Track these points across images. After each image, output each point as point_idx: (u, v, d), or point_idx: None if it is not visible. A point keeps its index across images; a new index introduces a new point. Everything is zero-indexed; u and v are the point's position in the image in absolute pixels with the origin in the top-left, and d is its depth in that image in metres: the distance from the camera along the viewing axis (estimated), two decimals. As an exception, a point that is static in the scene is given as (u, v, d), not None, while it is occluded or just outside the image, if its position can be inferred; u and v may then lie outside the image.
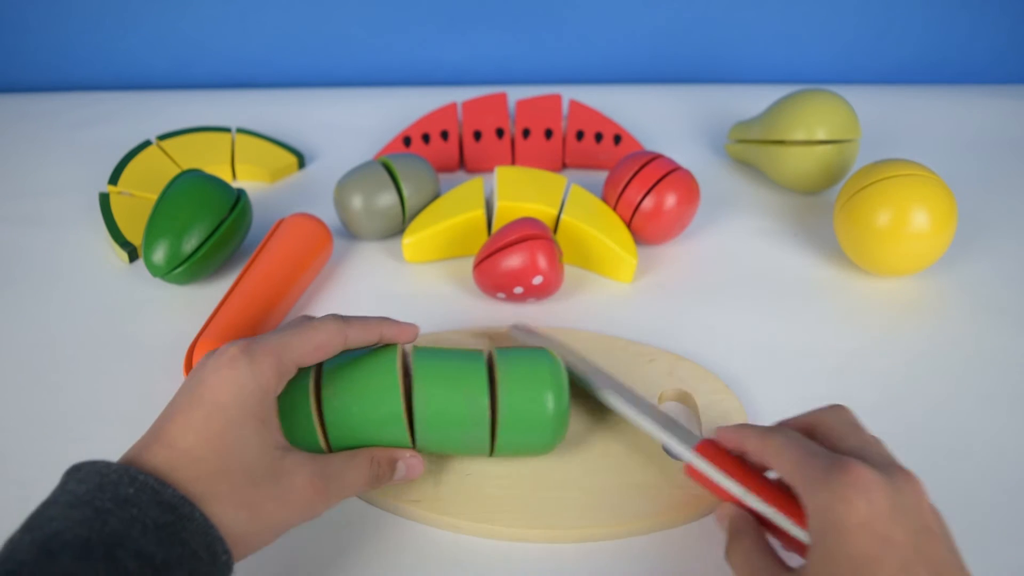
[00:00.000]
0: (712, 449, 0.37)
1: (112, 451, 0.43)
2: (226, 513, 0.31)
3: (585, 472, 0.42)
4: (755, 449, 0.34)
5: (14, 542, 0.29)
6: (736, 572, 0.32)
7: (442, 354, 0.40)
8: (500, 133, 0.67)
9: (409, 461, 0.39)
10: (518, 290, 0.51)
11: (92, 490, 0.30)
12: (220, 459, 0.32)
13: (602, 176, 0.66)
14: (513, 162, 0.67)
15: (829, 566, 0.28)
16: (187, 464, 0.31)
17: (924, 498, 0.29)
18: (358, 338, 0.38)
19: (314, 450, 0.37)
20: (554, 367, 0.39)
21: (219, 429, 0.32)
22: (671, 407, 0.46)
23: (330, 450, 0.38)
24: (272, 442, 0.34)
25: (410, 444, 0.39)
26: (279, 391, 0.35)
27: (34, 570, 0.27)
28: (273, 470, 0.33)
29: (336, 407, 0.37)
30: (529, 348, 0.41)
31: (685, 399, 0.46)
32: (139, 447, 0.33)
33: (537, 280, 0.50)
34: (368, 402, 0.37)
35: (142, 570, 0.28)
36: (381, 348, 0.39)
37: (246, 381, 0.33)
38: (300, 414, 0.37)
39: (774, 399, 0.47)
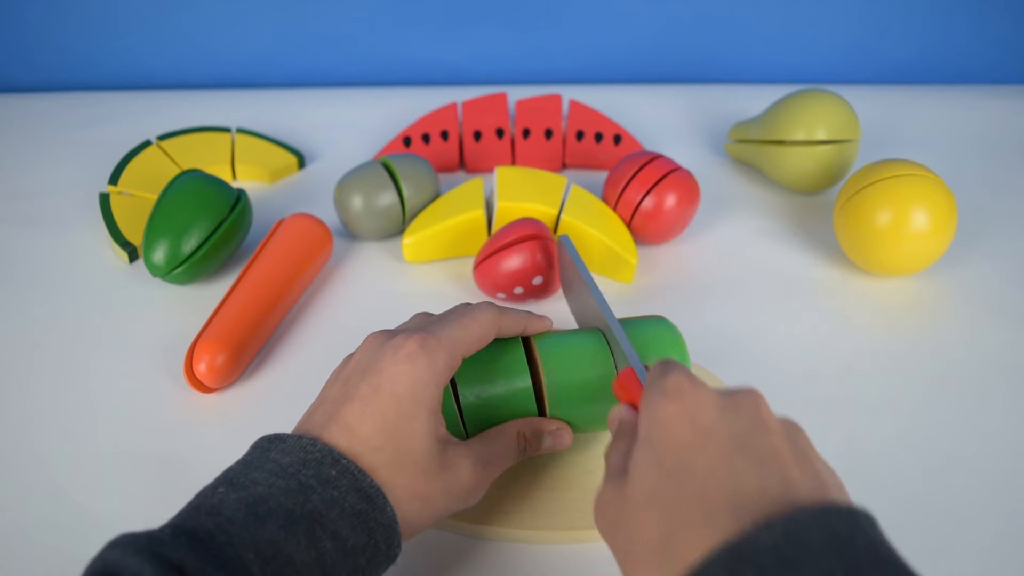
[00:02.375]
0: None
1: (112, 450, 0.43)
2: (401, 504, 0.32)
3: (585, 472, 0.42)
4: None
5: (219, 495, 0.30)
6: (607, 469, 0.31)
7: (564, 335, 0.41)
8: (500, 133, 0.67)
9: (556, 433, 0.39)
10: (518, 290, 0.51)
11: (296, 464, 0.31)
12: (395, 450, 0.33)
13: (602, 176, 0.67)
14: (513, 162, 0.67)
15: (652, 455, 0.28)
16: (367, 452, 0.32)
17: (762, 403, 0.29)
18: (509, 328, 0.39)
19: (456, 434, 0.38)
20: (676, 334, 0.41)
21: (395, 420, 0.33)
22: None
23: (467, 433, 0.39)
24: (437, 434, 0.34)
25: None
26: (446, 383, 0.36)
27: (243, 528, 0.29)
28: (440, 461, 0.34)
29: (471, 392, 0.38)
30: (644, 319, 0.42)
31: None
32: (316, 425, 0.33)
33: (537, 280, 0.50)
34: (500, 384, 0.39)
35: (335, 551, 0.30)
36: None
37: (422, 375, 0.34)
38: (444, 403, 0.38)
39: (774, 399, 0.47)
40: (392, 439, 0.33)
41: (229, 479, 0.31)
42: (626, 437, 0.32)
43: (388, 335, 0.36)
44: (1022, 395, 0.48)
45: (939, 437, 0.45)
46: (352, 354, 0.37)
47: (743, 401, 0.29)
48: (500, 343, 0.40)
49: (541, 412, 0.40)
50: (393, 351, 0.34)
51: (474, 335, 0.37)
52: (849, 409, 0.47)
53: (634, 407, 0.33)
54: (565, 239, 0.43)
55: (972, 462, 0.44)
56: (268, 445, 0.33)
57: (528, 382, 0.39)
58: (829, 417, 0.46)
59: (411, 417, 0.33)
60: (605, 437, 0.43)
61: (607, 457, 0.32)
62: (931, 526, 0.41)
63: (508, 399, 0.39)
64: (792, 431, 0.28)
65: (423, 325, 0.37)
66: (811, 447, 0.28)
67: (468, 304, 0.40)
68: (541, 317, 0.41)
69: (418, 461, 0.33)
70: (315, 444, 0.32)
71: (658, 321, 0.42)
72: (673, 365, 0.31)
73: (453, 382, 0.39)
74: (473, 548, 0.39)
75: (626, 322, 0.42)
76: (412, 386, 0.34)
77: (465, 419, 0.38)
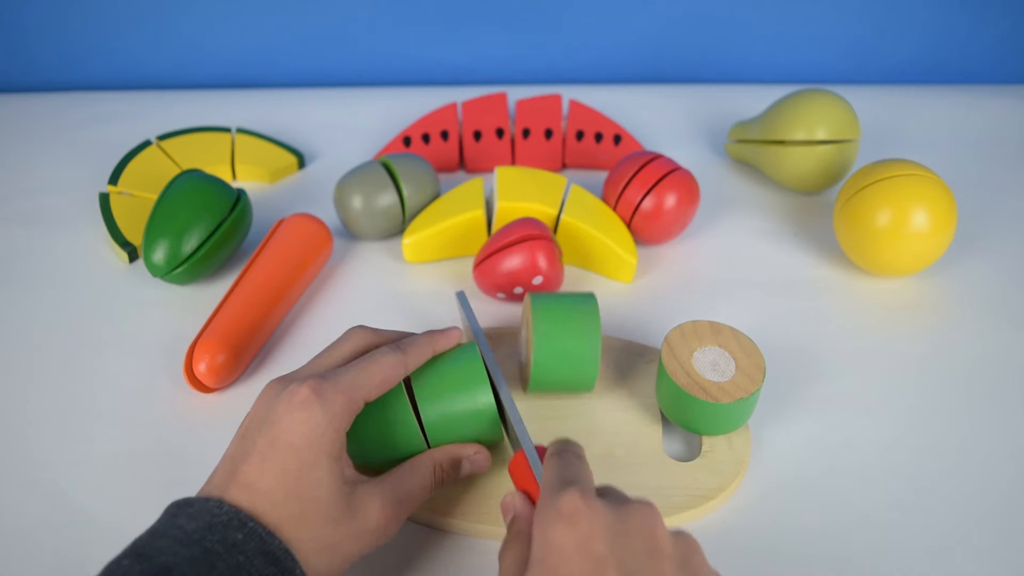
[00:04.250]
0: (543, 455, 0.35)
1: (112, 451, 0.43)
2: (310, 558, 0.32)
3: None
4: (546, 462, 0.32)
5: (123, 568, 0.29)
6: (501, 572, 0.30)
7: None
8: (500, 133, 0.67)
9: (474, 458, 0.39)
10: (518, 290, 0.51)
11: (202, 529, 0.30)
12: (298, 502, 0.32)
13: (602, 176, 0.67)
14: (513, 162, 0.67)
15: None
16: (269, 508, 0.32)
17: (657, 524, 0.28)
18: (416, 363, 0.39)
19: (415, 450, 0.39)
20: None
21: (295, 472, 0.32)
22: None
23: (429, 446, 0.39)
24: (343, 478, 0.34)
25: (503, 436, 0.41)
26: (347, 428, 0.35)
27: None
28: (348, 506, 0.33)
29: (433, 412, 0.39)
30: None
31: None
32: (218, 486, 0.33)
33: (537, 280, 0.50)
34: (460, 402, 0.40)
35: None
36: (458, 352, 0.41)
37: (319, 421, 0.33)
38: (404, 424, 0.38)
39: (774, 399, 0.47)
40: (294, 492, 0.32)
41: (136, 549, 0.30)
42: (521, 541, 0.31)
43: (284, 383, 0.35)
44: (1022, 394, 0.48)
45: (939, 437, 0.45)
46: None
47: (638, 524, 0.28)
48: (457, 359, 0.40)
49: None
50: (287, 400, 0.34)
51: (375, 378, 0.36)
52: (849, 409, 0.47)
53: (529, 498, 0.33)
54: (461, 295, 0.44)
55: (972, 462, 0.44)
56: (176, 510, 0.32)
57: (489, 397, 0.39)
58: (829, 417, 0.46)
59: (312, 466, 0.33)
60: (613, 436, 0.43)
61: (501, 558, 0.31)
62: (931, 526, 0.41)
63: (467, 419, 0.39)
64: (686, 553, 0.28)
65: (317, 370, 0.36)
66: (704, 566, 0.28)
67: (363, 328, 0.40)
68: (445, 333, 0.41)
69: (323, 510, 0.32)
70: (221, 506, 0.31)
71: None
72: (569, 471, 0.31)
73: (412, 398, 0.39)
74: (473, 547, 0.39)
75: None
76: (309, 434, 0.33)
77: (428, 438, 0.39)
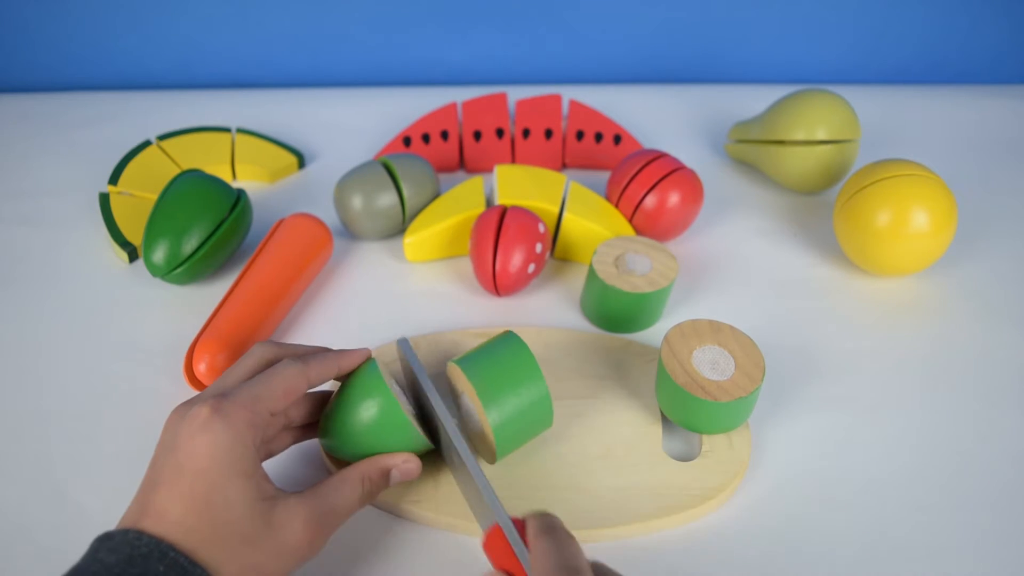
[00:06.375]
0: (521, 529, 0.33)
1: (112, 451, 0.43)
2: None
3: (585, 472, 0.42)
4: (529, 545, 0.31)
5: None
6: None
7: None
8: (500, 133, 0.67)
9: (402, 467, 0.39)
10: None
11: (122, 562, 0.30)
12: (212, 526, 0.32)
13: (602, 176, 0.67)
14: (513, 162, 0.67)
15: None
16: (183, 535, 0.31)
17: None
18: (319, 375, 0.38)
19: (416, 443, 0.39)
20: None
21: (205, 495, 0.32)
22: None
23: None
24: (259, 495, 0.33)
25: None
26: (257, 442, 0.34)
27: None
28: (266, 524, 0.33)
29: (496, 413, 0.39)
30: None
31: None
32: (132, 519, 0.32)
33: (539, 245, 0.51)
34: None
35: None
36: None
37: (223, 440, 0.33)
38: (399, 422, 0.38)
39: (774, 399, 0.47)
40: (206, 516, 0.32)
41: None
42: None
43: (187, 406, 0.35)
44: (1022, 395, 0.48)
45: (939, 436, 0.45)
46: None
47: None
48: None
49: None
50: (189, 423, 0.33)
51: (277, 389, 0.36)
52: (849, 408, 0.47)
53: None
54: (403, 343, 0.41)
55: (972, 462, 0.44)
56: (97, 545, 0.31)
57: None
58: (829, 416, 0.46)
59: (222, 488, 0.32)
60: (613, 436, 0.43)
61: None
62: (931, 525, 0.41)
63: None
64: None
65: (219, 389, 0.36)
66: None
67: (267, 343, 0.39)
68: (353, 351, 0.40)
69: (239, 531, 0.32)
70: (140, 538, 0.31)
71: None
72: (572, 557, 0.28)
73: (419, 401, 0.39)
74: (472, 547, 0.39)
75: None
76: (215, 455, 0.32)
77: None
